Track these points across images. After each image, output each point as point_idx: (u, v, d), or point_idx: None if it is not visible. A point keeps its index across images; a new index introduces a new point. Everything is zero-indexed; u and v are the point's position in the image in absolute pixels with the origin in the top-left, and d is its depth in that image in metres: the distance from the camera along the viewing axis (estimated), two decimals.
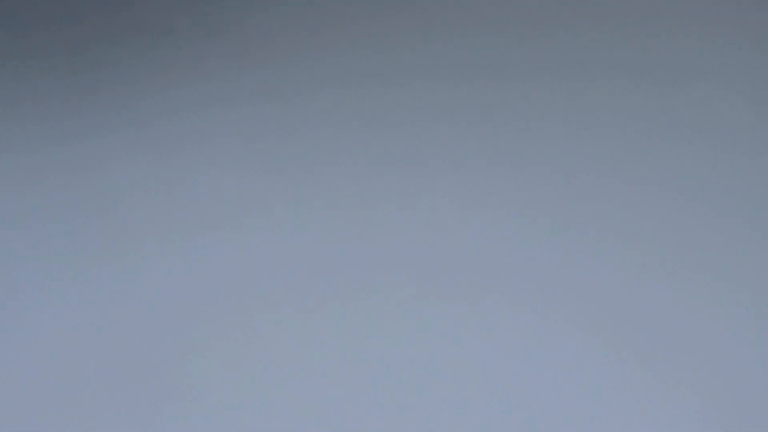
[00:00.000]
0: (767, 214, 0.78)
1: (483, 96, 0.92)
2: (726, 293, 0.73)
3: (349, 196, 0.83)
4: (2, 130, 0.90)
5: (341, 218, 0.81)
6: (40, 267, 0.78)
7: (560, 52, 0.96)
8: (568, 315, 0.70)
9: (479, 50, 0.96)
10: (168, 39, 0.98)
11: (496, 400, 0.68)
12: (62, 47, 0.97)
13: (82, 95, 0.93)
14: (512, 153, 0.86)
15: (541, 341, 0.70)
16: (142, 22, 1.00)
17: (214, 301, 0.76)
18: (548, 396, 0.68)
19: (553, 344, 0.68)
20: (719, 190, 0.81)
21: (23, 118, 0.91)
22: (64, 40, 0.98)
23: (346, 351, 0.72)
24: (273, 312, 0.75)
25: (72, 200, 0.84)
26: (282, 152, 0.87)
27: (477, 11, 1.01)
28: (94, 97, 0.92)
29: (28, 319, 0.75)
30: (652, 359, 0.69)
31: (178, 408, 0.69)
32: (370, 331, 0.73)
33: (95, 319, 0.74)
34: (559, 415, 0.66)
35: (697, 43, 0.95)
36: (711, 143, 0.84)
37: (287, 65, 0.95)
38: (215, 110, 0.91)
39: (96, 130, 0.89)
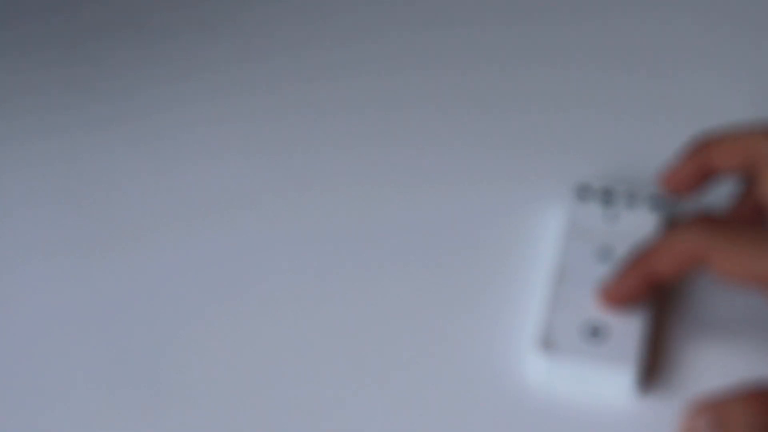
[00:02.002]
0: None
1: (481, 86, 0.92)
2: None
3: (347, 187, 0.84)
4: None
5: (340, 210, 0.82)
6: (35, 259, 0.79)
7: (556, 40, 0.97)
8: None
9: (477, 41, 0.97)
10: (164, 33, 0.98)
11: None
12: (58, 41, 0.98)
13: (78, 89, 0.93)
14: (509, 138, 0.87)
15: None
16: (138, 16, 1.00)
17: (212, 293, 0.77)
18: None
19: None
20: None
21: (20, 112, 0.91)
22: (61, 34, 0.98)
23: (350, 346, 0.73)
24: (271, 302, 0.76)
25: (68, 193, 0.85)
26: (280, 145, 0.88)
27: (474, 3, 1.02)
28: (91, 90, 0.93)
29: (23, 312, 0.76)
30: None
31: (176, 402, 0.70)
32: (373, 328, 0.74)
33: (92, 311, 0.75)
34: None
35: (695, 32, 0.97)
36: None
37: (284, 58, 0.95)
38: (213, 103, 0.91)
39: (93, 124, 0.90)
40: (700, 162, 0.75)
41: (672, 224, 0.79)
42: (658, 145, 0.86)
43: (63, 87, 0.93)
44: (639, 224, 0.76)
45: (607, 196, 0.78)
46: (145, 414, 0.69)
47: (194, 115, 0.91)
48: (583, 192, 0.79)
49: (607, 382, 0.68)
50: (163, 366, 0.71)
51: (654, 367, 0.70)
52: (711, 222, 0.69)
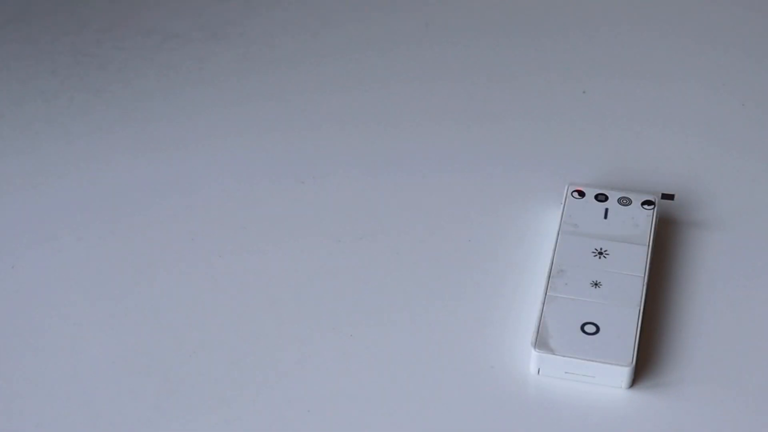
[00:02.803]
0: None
1: (481, 97, 0.94)
2: None
3: (350, 191, 0.85)
4: (9, 131, 0.91)
5: (344, 214, 0.83)
6: (43, 266, 0.80)
7: (553, 52, 0.99)
8: None
9: (478, 52, 0.98)
10: (173, 42, 0.99)
11: None
12: (68, 50, 0.98)
13: (88, 97, 0.93)
14: (508, 142, 0.89)
15: None
16: (147, 25, 1.01)
17: (220, 289, 0.78)
18: None
19: None
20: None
21: (30, 120, 0.92)
22: (70, 42, 0.98)
23: (360, 345, 0.74)
24: (279, 300, 0.77)
25: (76, 192, 0.85)
26: (286, 154, 0.88)
27: (474, 14, 1.03)
28: (100, 99, 0.93)
29: (31, 321, 0.77)
30: None
31: (187, 392, 0.72)
32: (374, 327, 0.76)
33: (100, 320, 0.76)
34: None
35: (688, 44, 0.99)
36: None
37: (291, 67, 0.96)
38: (220, 111, 0.92)
39: (102, 132, 0.90)
40: None
41: (663, 223, 0.82)
42: (652, 148, 0.89)
43: (72, 96, 0.94)
44: (633, 224, 0.78)
45: (601, 197, 0.81)
46: (157, 403, 0.70)
47: (202, 124, 0.91)
48: (579, 193, 0.81)
49: (602, 378, 0.70)
50: (174, 357, 0.73)
51: (645, 362, 0.73)
52: None
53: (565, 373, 0.71)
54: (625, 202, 0.80)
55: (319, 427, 0.69)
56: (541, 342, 0.71)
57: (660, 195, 0.81)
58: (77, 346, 0.74)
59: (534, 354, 0.71)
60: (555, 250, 0.77)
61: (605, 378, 0.70)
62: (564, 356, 0.70)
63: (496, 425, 0.69)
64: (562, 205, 0.81)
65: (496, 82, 0.95)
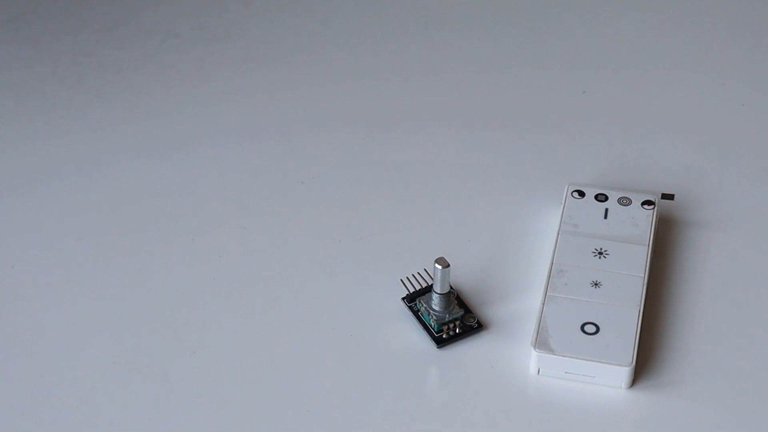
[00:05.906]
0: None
1: (481, 96, 0.94)
2: None
3: (350, 190, 0.85)
4: (9, 131, 0.91)
5: (342, 212, 0.83)
6: (43, 266, 0.80)
7: (553, 51, 0.99)
8: None
9: (478, 52, 0.98)
10: (173, 42, 0.99)
11: None
12: (68, 50, 0.98)
13: (88, 98, 0.94)
14: (509, 142, 0.89)
15: None
16: (147, 25, 1.01)
17: (220, 304, 0.78)
18: None
19: None
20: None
21: (30, 121, 0.92)
22: (70, 42, 0.99)
23: (360, 341, 0.74)
24: (280, 315, 0.77)
25: (76, 192, 0.86)
26: (286, 154, 0.89)
27: (474, 14, 1.03)
28: (100, 99, 0.93)
29: (31, 321, 0.77)
30: None
31: (186, 390, 0.72)
32: (376, 326, 0.76)
33: (100, 320, 0.76)
34: None
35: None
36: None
37: (291, 67, 0.96)
38: (220, 111, 0.92)
39: (102, 132, 0.91)
40: None
41: (663, 223, 0.82)
42: (652, 148, 0.89)
43: (72, 91, 0.94)
44: (633, 224, 0.79)
45: (601, 197, 0.81)
46: (157, 403, 0.71)
47: (201, 119, 0.92)
48: (579, 193, 0.81)
49: (602, 378, 0.71)
50: (174, 357, 0.73)
51: (645, 362, 0.73)
52: None
53: (565, 373, 0.71)
54: (625, 202, 0.80)
55: (319, 427, 0.70)
56: (541, 342, 0.71)
57: (660, 195, 0.81)
58: (77, 346, 0.74)
59: (534, 354, 0.71)
60: (555, 250, 0.77)
61: (605, 378, 0.71)
62: (564, 356, 0.71)
63: (497, 425, 0.70)
64: (562, 205, 0.81)
65: (496, 81, 0.95)
